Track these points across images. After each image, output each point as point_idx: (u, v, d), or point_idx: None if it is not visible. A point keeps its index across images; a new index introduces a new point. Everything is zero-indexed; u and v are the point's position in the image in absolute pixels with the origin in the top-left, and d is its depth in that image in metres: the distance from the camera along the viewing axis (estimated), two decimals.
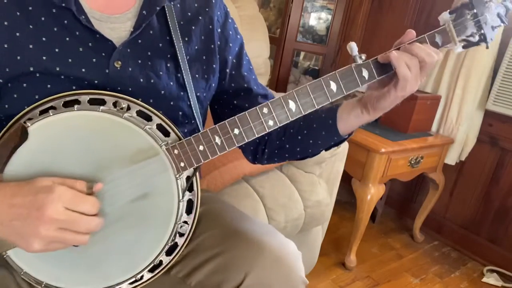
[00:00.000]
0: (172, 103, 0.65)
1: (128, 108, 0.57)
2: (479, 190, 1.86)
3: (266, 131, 0.59)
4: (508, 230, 1.78)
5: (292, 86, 2.51)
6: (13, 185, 0.51)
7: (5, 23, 0.55)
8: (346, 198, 2.18)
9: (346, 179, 1.64)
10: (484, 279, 1.74)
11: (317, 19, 2.39)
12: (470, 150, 1.84)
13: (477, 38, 0.60)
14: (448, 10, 0.60)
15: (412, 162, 1.67)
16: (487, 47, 0.61)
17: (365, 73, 0.59)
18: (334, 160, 1.39)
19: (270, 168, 1.34)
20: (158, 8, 0.62)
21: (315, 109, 0.59)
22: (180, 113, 0.67)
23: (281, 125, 0.59)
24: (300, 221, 1.27)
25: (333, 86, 0.58)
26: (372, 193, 1.59)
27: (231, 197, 1.17)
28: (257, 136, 0.59)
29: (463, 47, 0.60)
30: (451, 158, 1.84)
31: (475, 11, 0.58)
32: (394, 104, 0.62)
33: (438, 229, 2.03)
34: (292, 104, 0.58)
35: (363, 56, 0.59)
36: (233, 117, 0.58)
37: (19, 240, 0.51)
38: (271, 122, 0.59)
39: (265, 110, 0.58)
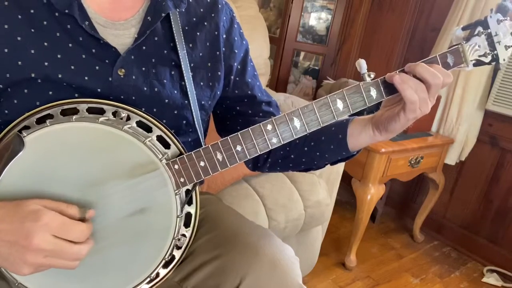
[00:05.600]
0: (176, 112, 0.64)
1: (128, 118, 0.56)
2: (479, 190, 1.86)
3: (270, 148, 0.57)
4: (508, 230, 1.78)
5: (292, 86, 2.51)
6: None
7: (5, 26, 0.54)
8: (346, 198, 2.18)
9: (346, 179, 1.64)
10: (484, 279, 1.74)
11: (317, 19, 2.39)
12: (470, 150, 1.84)
13: (489, 58, 0.58)
14: (461, 26, 0.59)
15: (412, 162, 1.67)
16: (499, 68, 0.61)
17: (373, 92, 0.57)
18: None
19: None
20: (163, 14, 0.61)
21: (320, 127, 0.58)
22: (184, 122, 0.66)
23: (284, 142, 0.57)
24: (300, 221, 1.27)
25: (340, 104, 0.57)
26: (372, 193, 1.59)
27: (231, 197, 1.17)
28: (259, 153, 0.57)
29: (474, 65, 0.59)
30: (451, 158, 1.84)
31: (489, 30, 0.57)
32: (406, 126, 0.60)
33: (438, 229, 2.03)
34: (297, 122, 0.57)
35: (372, 75, 0.57)
36: (236, 133, 0.56)
37: (8, 265, 0.49)
38: (274, 140, 0.57)
39: (269, 127, 0.56)
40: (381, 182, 1.62)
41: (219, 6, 0.70)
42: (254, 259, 0.62)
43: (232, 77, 0.73)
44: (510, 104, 1.69)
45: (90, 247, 0.52)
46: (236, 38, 0.72)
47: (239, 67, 0.73)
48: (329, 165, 0.74)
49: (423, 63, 0.56)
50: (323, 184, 1.36)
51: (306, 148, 0.71)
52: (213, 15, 0.68)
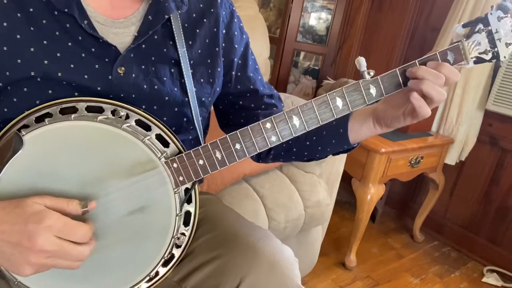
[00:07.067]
0: (176, 110, 0.64)
1: (127, 117, 0.56)
2: (479, 190, 1.86)
3: (269, 147, 0.57)
4: (508, 230, 1.78)
5: (292, 86, 2.51)
6: (0, 208, 0.49)
7: (4, 24, 0.53)
8: (346, 198, 2.17)
9: (346, 179, 1.64)
10: (484, 279, 1.74)
11: (317, 19, 2.39)
12: (470, 150, 1.84)
13: (490, 55, 0.58)
14: (462, 23, 0.58)
15: (412, 162, 1.67)
16: (499, 66, 0.60)
17: (372, 90, 0.57)
18: (334, 160, 1.39)
19: (270, 168, 1.34)
20: (166, 16, 0.60)
21: (319, 125, 0.58)
22: (185, 119, 0.66)
23: (283, 140, 0.58)
24: (300, 221, 1.27)
25: (339, 102, 0.57)
26: (372, 193, 1.59)
27: (231, 197, 1.17)
28: (258, 151, 0.57)
29: (474, 62, 0.58)
30: (451, 158, 1.84)
31: (490, 28, 0.57)
32: (406, 125, 0.62)
33: (438, 229, 2.02)
34: (296, 120, 0.57)
35: (372, 72, 0.57)
36: (235, 132, 0.56)
37: (9, 266, 0.49)
38: (274, 138, 0.57)
39: (268, 125, 0.56)
40: (381, 182, 1.62)
41: (218, 0, 0.69)
42: (253, 260, 0.62)
43: (234, 72, 0.73)
44: (510, 104, 1.68)
45: (92, 248, 0.52)
46: (236, 33, 0.72)
47: (240, 62, 0.73)
48: (331, 155, 0.75)
49: (423, 66, 0.56)
50: (323, 184, 1.36)
51: (308, 142, 0.72)
52: (212, 10, 0.68)
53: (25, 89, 0.55)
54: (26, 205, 0.49)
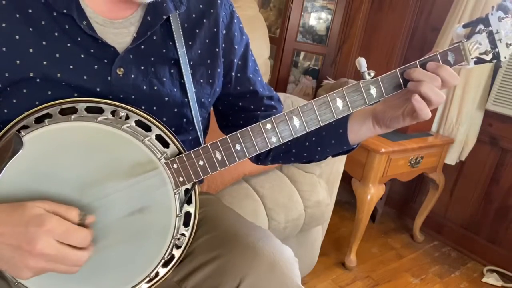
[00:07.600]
0: (176, 110, 0.64)
1: (127, 117, 0.56)
2: (479, 190, 1.86)
3: (269, 148, 0.57)
4: (508, 230, 1.78)
5: (292, 86, 2.51)
6: (1, 210, 0.49)
7: (3, 24, 0.53)
8: (346, 198, 2.17)
9: (346, 179, 1.64)
10: (484, 279, 1.74)
11: (317, 19, 2.39)
12: (470, 150, 1.84)
13: (490, 56, 0.58)
14: (462, 24, 0.58)
15: (412, 162, 1.66)
16: (500, 66, 0.60)
17: (373, 91, 0.57)
18: (334, 160, 1.38)
19: (270, 168, 1.34)
20: (164, 17, 0.60)
21: (320, 126, 0.58)
22: (185, 120, 0.66)
23: (284, 141, 0.57)
24: (300, 221, 1.27)
25: (340, 103, 0.57)
26: (372, 193, 1.59)
27: (231, 197, 1.17)
28: (259, 152, 0.57)
29: (475, 63, 0.58)
30: (451, 158, 1.84)
31: (490, 28, 0.56)
32: (406, 125, 0.62)
33: (438, 229, 2.02)
34: (296, 121, 0.56)
35: (372, 73, 0.57)
36: (235, 132, 0.56)
37: (8, 268, 0.49)
38: (274, 139, 0.57)
39: (268, 126, 0.56)
40: (381, 182, 1.62)
41: (218, 1, 0.69)
42: (253, 260, 0.62)
43: (233, 73, 0.73)
44: (510, 104, 1.68)
45: (91, 253, 0.52)
46: (236, 34, 0.72)
47: (239, 62, 0.73)
48: (330, 157, 0.75)
49: (419, 68, 0.56)
50: (323, 184, 1.36)
51: (307, 143, 0.72)
52: (212, 10, 0.68)
53: (24, 90, 0.55)
54: (26, 208, 0.49)
